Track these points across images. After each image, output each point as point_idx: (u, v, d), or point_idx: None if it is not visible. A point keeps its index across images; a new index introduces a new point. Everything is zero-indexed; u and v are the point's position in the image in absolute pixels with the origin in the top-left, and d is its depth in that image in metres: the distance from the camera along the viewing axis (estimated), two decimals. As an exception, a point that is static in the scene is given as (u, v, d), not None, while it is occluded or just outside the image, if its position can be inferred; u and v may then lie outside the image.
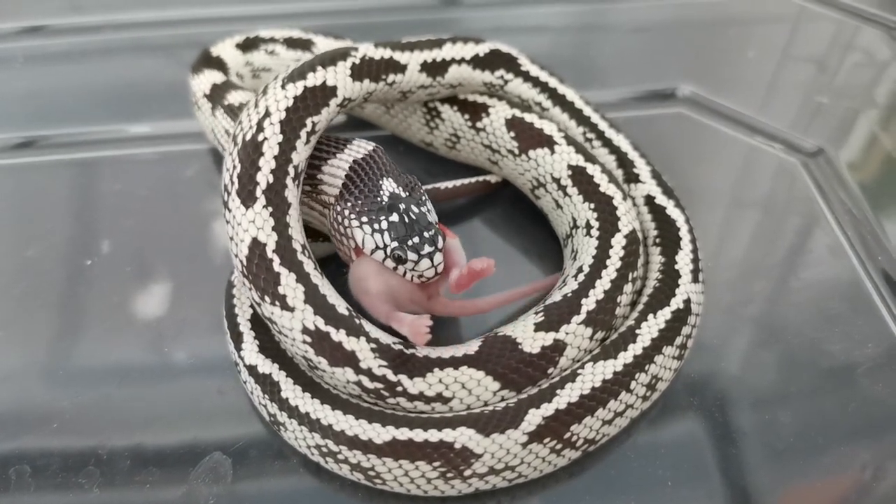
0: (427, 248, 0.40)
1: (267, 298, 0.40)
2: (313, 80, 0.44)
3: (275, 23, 0.61)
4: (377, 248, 0.41)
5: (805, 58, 0.70)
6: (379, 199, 0.42)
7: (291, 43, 0.59)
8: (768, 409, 0.44)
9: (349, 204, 0.42)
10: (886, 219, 0.54)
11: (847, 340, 0.48)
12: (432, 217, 0.42)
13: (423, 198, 0.43)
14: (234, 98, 0.53)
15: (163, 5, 0.73)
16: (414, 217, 0.41)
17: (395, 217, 0.41)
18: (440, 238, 0.41)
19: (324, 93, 0.45)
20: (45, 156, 0.60)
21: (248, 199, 0.41)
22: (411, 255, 0.40)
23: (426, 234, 0.41)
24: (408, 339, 0.41)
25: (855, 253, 0.53)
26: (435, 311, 0.42)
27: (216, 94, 0.54)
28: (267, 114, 0.42)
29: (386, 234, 0.41)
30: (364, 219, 0.41)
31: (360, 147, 0.45)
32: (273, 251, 0.40)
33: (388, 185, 0.42)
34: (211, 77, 0.56)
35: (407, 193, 0.42)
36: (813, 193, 0.57)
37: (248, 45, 0.59)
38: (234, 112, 0.52)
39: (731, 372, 0.46)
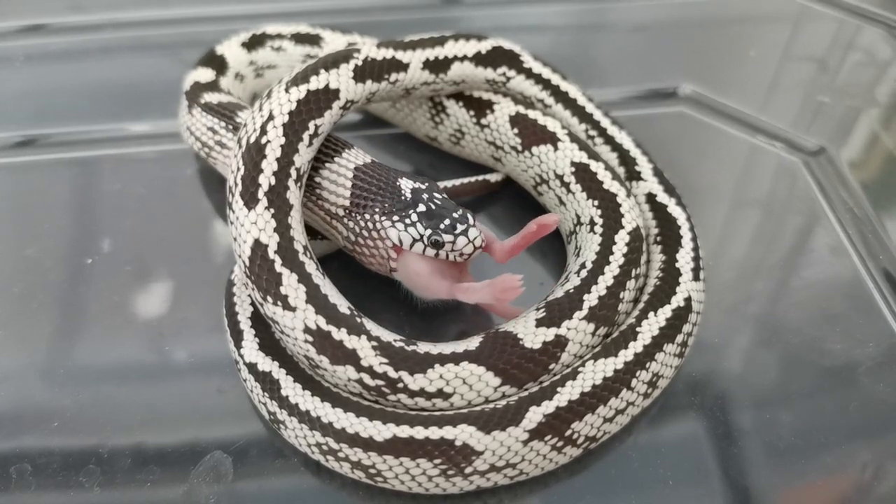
0: (460, 227, 0.42)
1: (269, 299, 0.40)
2: (316, 83, 0.45)
3: (276, 22, 0.61)
4: (415, 240, 0.42)
5: (806, 57, 0.70)
6: (403, 196, 0.43)
7: (300, 38, 0.59)
8: (769, 409, 0.44)
9: (376, 209, 0.43)
10: (888, 218, 0.54)
11: (848, 340, 0.48)
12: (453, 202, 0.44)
13: (439, 188, 0.45)
14: (211, 98, 0.53)
15: (163, 4, 0.73)
16: (439, 202, 0.43)
17: (421, 207, 0.43)
18: (469, 215, 0.43)
19: (326, 96, 0.45)
20: (45, 154, 0.60)
21: (250, 200, 0.41)
22: (447, 237, 0.42)
23: (455, 214, 0.42)
24: (411, 339, 0.41)
25: (856, 252, 0.53)
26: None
27: (194, 92, 0.54)
28: (270, 117, 0.43)
29: (419, 224, 0.42)
30: (395, 217, 0.43)
31: (358, 155, 0.46)
32: (275, 252, 0.40)
33: (406, 184, 0.44)
34: (201, 74, 0.55)
35: (425, 185, 0.44)
36: (814, 192, 0.57)
37: (253, 43, 0.59)
38: (212, 109, 0.51)
39: (732, 371, 0.46)
